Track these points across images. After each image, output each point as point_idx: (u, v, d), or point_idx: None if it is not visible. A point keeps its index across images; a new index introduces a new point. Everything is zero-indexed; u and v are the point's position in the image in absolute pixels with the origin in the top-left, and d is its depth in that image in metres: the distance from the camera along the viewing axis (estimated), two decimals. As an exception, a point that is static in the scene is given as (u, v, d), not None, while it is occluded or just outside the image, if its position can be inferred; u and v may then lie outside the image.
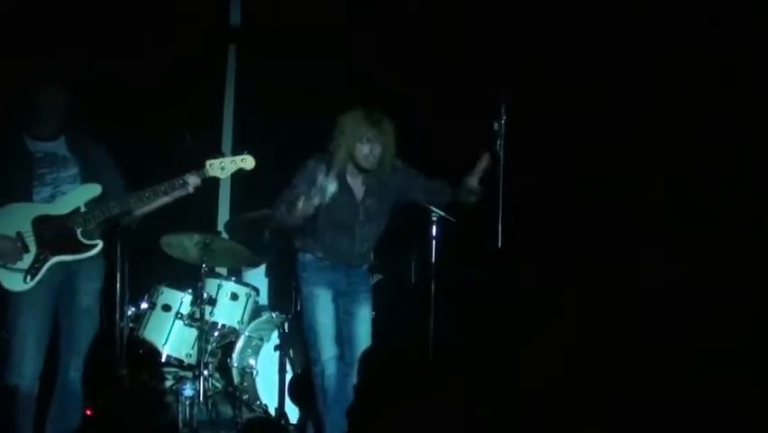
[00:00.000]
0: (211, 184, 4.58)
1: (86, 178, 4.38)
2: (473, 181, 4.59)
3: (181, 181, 4.39)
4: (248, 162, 4.49)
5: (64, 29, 6.07)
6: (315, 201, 4.34)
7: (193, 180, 4.41)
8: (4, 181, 4.26)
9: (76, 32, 6.12)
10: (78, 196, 4.34)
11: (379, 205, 4.80)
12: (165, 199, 4.46)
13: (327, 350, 4.65)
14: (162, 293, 5.80)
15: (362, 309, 4.83)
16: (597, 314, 4.86)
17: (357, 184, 4.74)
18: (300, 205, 4.33)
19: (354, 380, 4.74)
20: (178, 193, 4.43)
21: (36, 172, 4.30)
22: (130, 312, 5.70)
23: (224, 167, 4.46)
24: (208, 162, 4.44)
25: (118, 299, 5.60)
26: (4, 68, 5.28)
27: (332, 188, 4.33)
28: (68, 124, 4.43)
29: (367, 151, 4.60)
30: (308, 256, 4.74)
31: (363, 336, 4.80)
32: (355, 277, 4.83)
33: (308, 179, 4.53)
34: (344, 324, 4.78)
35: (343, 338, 4.78)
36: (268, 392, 5.39)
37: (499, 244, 4.34)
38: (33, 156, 4.32)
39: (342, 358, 4.75)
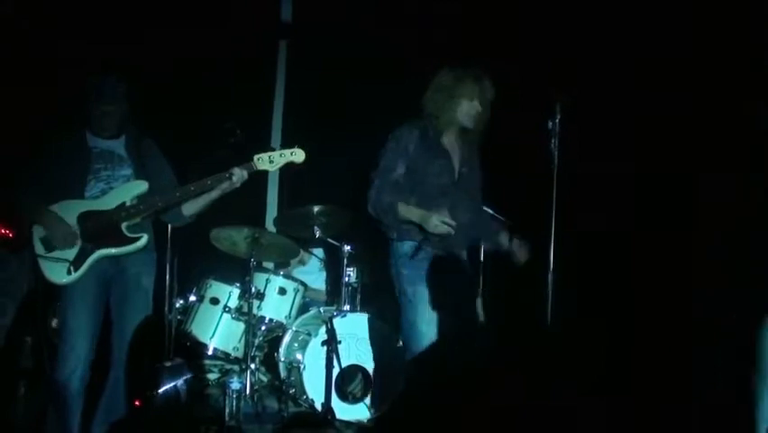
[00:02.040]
0: (259, 179, 4.58)
1: (140, 178, 4.46)
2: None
3: (227, 175, 4.41)
4: (298, 155, 4.50)
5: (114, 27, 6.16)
6: (429, 228, 4.28)
7: (239, 174, 4.43)
8: (62, 173, 4.37)
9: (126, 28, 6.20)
10: (125, 192, 4.40)
11: (472, 177, 4.61)
12: (212, 195, 4.49)
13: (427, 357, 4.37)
14: (211, 286, 5.81)
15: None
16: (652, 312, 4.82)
17: (453, 148, 4.55)
18: (411, 216, 4.33)
19: None
20: (225, 187, 4.45)
21: (93, 167, 4.39)
22: (178, 305, 5.74)
23: (272, 160, 4.46)
24: (256, 156, 4.46)
25: (167, 292, 5.65)
26: (72, 67, 5.39)
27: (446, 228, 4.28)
28: (128, 125, 4.52)
29: (474, 109, 4.46)
30: (406, 246, 4.44)
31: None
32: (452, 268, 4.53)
33: (403, 153, 4.41)
34: None
35: None
36: (314, 387, 5.39)
37: (552, 243, 4.29)
38: (91, 151, 4.42)
39: None
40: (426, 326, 4.34)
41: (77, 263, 4.28)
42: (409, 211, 4.35)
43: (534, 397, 4.22)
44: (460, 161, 4.54)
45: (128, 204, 4.38)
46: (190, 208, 4.60)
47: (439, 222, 4.26)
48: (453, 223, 4.28)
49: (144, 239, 4.41)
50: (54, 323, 5.55)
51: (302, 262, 6.60)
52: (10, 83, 5.80)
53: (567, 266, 4.45)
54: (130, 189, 4.41)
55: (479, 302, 4.64)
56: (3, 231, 5.68)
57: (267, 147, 4.61)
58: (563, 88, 4.55)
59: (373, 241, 4.81)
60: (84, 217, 4.32)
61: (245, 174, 4.45)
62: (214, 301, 5.75)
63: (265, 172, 4.54)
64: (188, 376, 5.36)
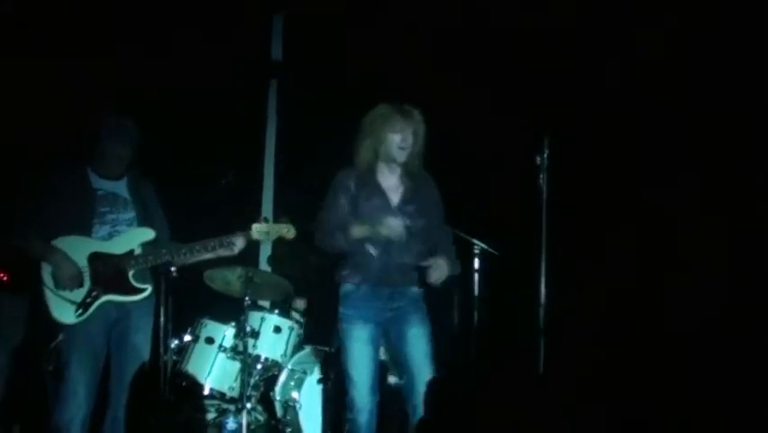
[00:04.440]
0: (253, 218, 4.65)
1: (142, 222, 4.52)
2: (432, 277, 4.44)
3: (228, 241, 4.57)
4: (290, 232, 4.69)
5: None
6: (383, 232, 4.29)
7: (239, 243, 4.60)
8: (67, 214, 4.37)
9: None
10: (134, 237, 4.47)
11: (419, 213, 4.48)
12: (209, 255, 4.63)
13: (361, 399, 4.35)
14: (206, 326, 5.82)
15: (414, 329, 4.44)
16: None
17: (391, 186, 4.51)
18: (362, 233, 4.33)
19: (421, 411, 4.36)
20: (223, 252, 4.61)
21: (98, 210, 4.42)
22: (173, 345, 5.70)
23: (268, 232, 4.65)
24: (254, 226, 4.62)
25: (162, 332, 5.65)
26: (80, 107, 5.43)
27: (399, 225, 4.30)
28: (131, 167, 4.56)
29: (399, 139, 4.35)
30: (346, 287, 4.46)
31: (419, 357, 4.42)
32: (401, 302, 4.45)
33: (344, 190, 4.44)
34: (398, 350, 4.50)
35: (401, 366, 4.53)
36: (311, 426, 5.40)
37: (543, 277, 4.32)
38: (96, 193, 4.44)
39: (404, 388, 4.46)
40: (360, 363, 4.38)
41: (84, 306, 4.31)
42: (360, 229, 4.36)
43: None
44: (401, 200, 4.48)
45: (136, 252, 4.45)
46: (188, 261, 4.68)
47: (393, 223, 4.30)
48: (403, 223, 4.32)
49: (149, 290, 4.50)
50: (50, 366, 5.57)
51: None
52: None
53: (559, 302, 4.51)
54: (138, 236, 4.49)
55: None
56: (-2, 274, 5.70)
57: (258, 189, 4.69)
58: (551, 123, 4.62)
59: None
60: (94, 258, 4.35)
61: (244, 243, 4.63)
62: (210, 341, 5.76)
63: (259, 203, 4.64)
64: None
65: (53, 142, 5.45)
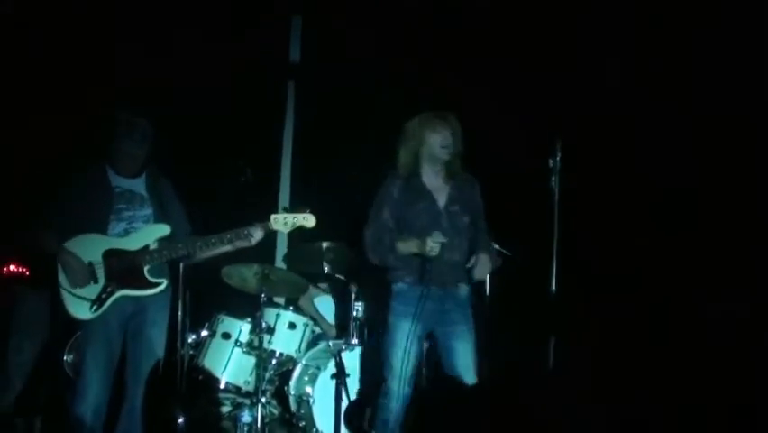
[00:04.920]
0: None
1: (159, 219, 4.60)
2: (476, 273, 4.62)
3: (246, 232, 4.60)
4: (309, 221, 4.71)
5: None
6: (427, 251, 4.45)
7: (257, 234, 4.63)
8: (85, 211, 4.47)
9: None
10: (149, 233, 4.54)
11: (463, 214, 4.72)
12: (227, 248, 4.67)
13: (398, 389, 4.58)
14: (222, 321, 5.89)
15: (461, 343, 4.65)
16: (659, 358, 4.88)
17: (438, 188, 4.73)
18: (409, 248, 4.53)
19: None
20: (241, 244, 4.65)
21: (115, 207, 4.51)
22: (190, 340, 5.78)
23: (286, 222, 4.66)
24: (273, 216, 4.64)
25: (179, 327, 5.73)
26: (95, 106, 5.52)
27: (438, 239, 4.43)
28: (148, 165, 4.65)
29: (441, 139, 4.62)
30: (400, 286, 4.66)
31: (464, 370, 4.63)
32: (449, 304, 4.66)
33: (388, 199, 4.65)
34: (442, 358, 4.70)
35: (444, 368, 4.71)
36: (324, 420, 5.49)
37: (554, 279, 4.39)
38: (113, 190, 4.53)
39: None
40: (403, 354, 4.55)
41: (99, 302, 4.39)
42: (407, 245, 4.57)
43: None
44: (447, 201, 4.70)
45: (151, 247, 4.52)
46: (205, 254, 4.74)
47: (432, 244, 4.44)
48: (444, 239, 4.45)
49: (164, 284, 4.57)
50: (70, 358, 5.67)
51: (326, 291, 6.65)
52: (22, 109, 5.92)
53: (570, 299, 4.56)
54: (153, 232, 4.57)
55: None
56: (19, 269, 5.80)
57: (275, 188, 4.74)
58: (564, 126, 4.68)
59: (377, 276, 4.91)
60: (109, 255, 4.44)
61: (262, 234, 4.65)
62: (226, 336, 5.83)
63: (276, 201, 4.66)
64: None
65: (65, 141, 5.54)
